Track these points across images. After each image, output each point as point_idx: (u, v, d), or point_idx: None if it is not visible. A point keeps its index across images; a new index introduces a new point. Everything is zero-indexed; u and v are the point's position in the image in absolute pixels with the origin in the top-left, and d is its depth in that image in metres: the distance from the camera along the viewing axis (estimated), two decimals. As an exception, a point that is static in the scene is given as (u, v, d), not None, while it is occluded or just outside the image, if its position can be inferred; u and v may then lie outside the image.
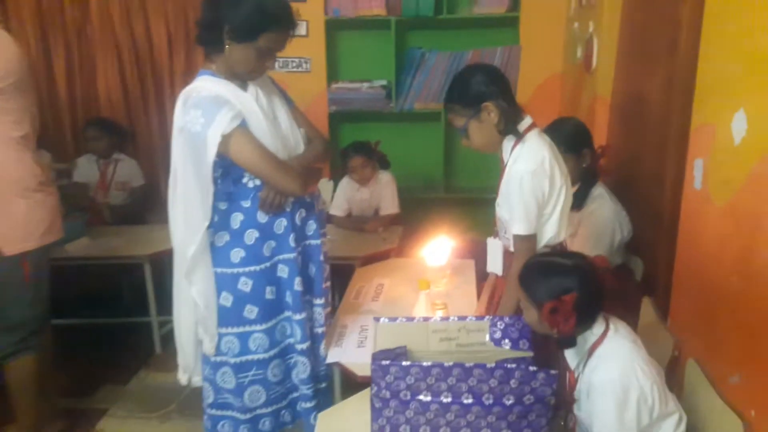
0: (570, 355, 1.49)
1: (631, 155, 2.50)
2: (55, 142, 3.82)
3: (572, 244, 2.25)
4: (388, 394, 1.38)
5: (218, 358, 1.81)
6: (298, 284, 1.80)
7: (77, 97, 3.88)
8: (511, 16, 3.58)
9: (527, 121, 1.69)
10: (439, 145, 3.82)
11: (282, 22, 1.62)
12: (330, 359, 1.89)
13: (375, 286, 2.47)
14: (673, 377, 1.76)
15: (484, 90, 1.65)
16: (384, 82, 3.75)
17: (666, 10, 2.14)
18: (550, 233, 1.70)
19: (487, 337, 1.57)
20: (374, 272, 2.66)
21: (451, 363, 1.34)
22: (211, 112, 1.59)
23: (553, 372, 1.34)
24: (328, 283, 1.98)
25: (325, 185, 3.73)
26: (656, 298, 1.99)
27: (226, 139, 1.60)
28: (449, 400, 1.35)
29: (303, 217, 1.84)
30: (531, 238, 1.67)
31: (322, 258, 1.90)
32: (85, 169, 3.64)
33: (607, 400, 1.33)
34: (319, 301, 1.92)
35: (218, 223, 1.75)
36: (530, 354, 1.55)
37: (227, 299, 1.77)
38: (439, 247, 2.45)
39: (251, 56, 1.62)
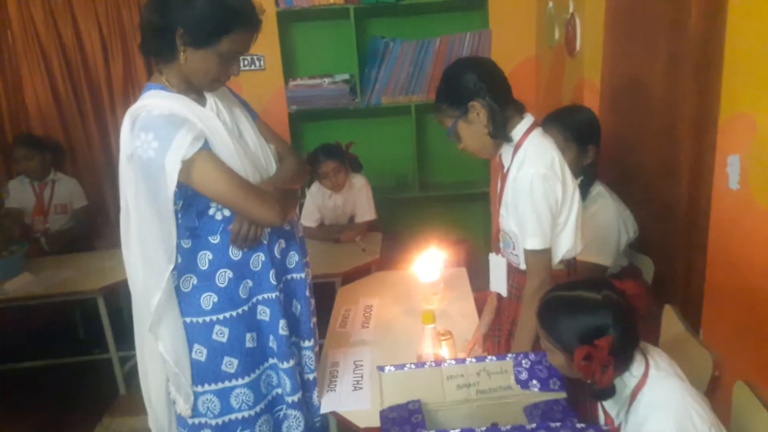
0: (608, 402, 1.28)
1: (629, 145, 2.31)
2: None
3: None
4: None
5: (196, 420, 1.55)
6: (282, 328, 1.55)
7: (2, 112, 3.45)
8: (479, -3, 3.34)
9: (527, 121, 1.48)
10: (410, 141, 3.57)
11: (247, 20, 1.36)
12: (324, 409, 1.64)
13: (363, 309, 2.21)
14: (712, 401, 1.57)
15: (471, 87, 1.44)
16: (347, 77, 3.47)
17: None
18: (565, 246, 1.49)
19: (512, 380, 1.36)
20: (359, 291, 2.41)
21: (483, 429, 1.11)
22: (167, 135, 1.33)
23: (605, 428, 1.14)
24: (315, 319, 1.74)
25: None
26: (680, 306, 1.80)
27: (186, 166, 1.34)
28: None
29: (283, 248, 1.59)
30: (546, 253, 1.46)
31: (308, 293, 1.66)
32: (19, 193, 3.25)
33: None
34: (307, 343, 1.66)
35: (183, 265, 1.49)
36: (563, 395, 1.35)
37: (201, 353, 1.51)
38: (430, 261, 2.21)
39: (212, 63, 1.37)
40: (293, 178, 1.61)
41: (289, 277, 1.63)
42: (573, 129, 2.01)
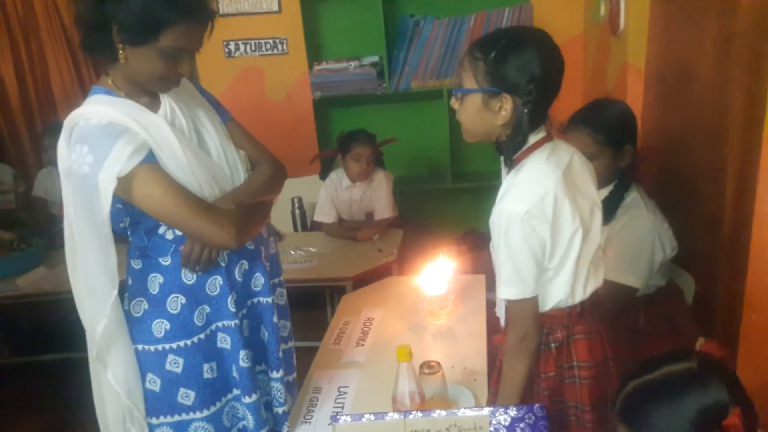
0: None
1: (674, 143, 1.99)
2: (15, 154, 3.45)
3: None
4: None
5: None
6: (244, 359, 1.41)
7: (32, 102, 3.47)
8: (520, -31, 3.02)
9: (535, 137, 1.23)
10: (443, 127, 3.34)
11: (187, 12, 1.19)
12: (294, 444, 1.49)
13: (363, 322, 2.04)
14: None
15: (514, 76, 1.16)
16: (374, 59, 3.28)
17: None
18: (558, 295, 1.26)
19: None
20: (365, 299, 2.23)
21: None
22: (103, 148, 1.20)
23: None
24: (291, 344, 1.63)
25: (314, 184, 3.29)
26: (718, 336, 1.52)
27: (125, 182, 1.22)
28: None
29: (245, 270, 1.44)
30: (527, 303, 1.24)
31: (275, 319, 1.50)
32: (45, 183, 3.25)
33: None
34: (276, 374, 1.51)
35: (133, 287, 1.39)
36: None
37: (155, 382, 1.39)
38: (437, 272, 2.00)
39: (155, 63, 1.22)
40: (263, 188, 1.45)
41: (255, 300, 1.48)
42: (604, 129, 1.74)
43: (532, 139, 1.22)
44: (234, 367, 1.42)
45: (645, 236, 1.72)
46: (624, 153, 1.77)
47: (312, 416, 1.57)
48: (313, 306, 3.32)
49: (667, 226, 1.76)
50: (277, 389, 1.51)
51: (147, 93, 1.32)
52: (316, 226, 3.04)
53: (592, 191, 1.29)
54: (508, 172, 1.25)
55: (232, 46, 3.28)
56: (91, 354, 1.36)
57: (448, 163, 3.40)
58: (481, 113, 1.22)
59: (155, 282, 1.37)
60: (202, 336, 1.39)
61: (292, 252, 2.69)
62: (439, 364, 1.55)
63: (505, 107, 1.18)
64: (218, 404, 1.44)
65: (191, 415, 1.41)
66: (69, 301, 1.41)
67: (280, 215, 3.15)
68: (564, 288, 1.24)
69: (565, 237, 1.20)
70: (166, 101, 1.33)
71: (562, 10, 3.05)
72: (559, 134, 1.87)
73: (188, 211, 1.26)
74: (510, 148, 1.22)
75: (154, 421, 1.41)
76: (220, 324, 1.41)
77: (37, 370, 2.81)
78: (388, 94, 3.28)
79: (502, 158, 1.27)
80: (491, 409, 1.20)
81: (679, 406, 0.93)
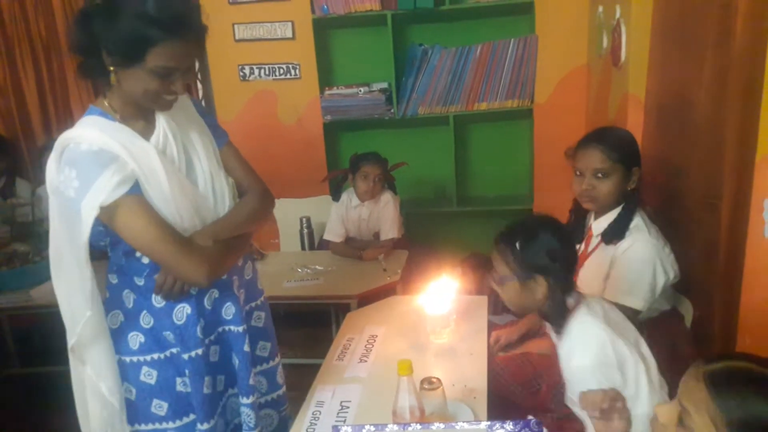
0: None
1: (674, 169, 2.04)
2: (33, 169, 3.55)
3: (604, 290, 1.82)
4: None
5: None
6: (207, 385, 1.45)
7: (51, 119, 3.57)
8: (525, 1, 3.12)
9: (571, 299, 1.39)
10: (449, 152, 3.41)
11: (170, 30, 1.18)
12: (298, 456, 1.52)
13: (366, 339, 2.07)
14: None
15: (540, 260, 1.35)
16: (383, 86, 3.35)
17: (714, -11, 1.68)
18: (646, 405, 1.32)
19: None
20: (368, 317, 2.27)
21: None
22: (90, 175, 1.21)
23: None
24: (274, 362, 1.69)
25: (323, 204, 3.36)
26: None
27: (108, 211, 1.24)
28: None
29: (215, 298, 1.46)
30: None
31: (246, 347, 1.50)
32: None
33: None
34: (246, 399, 1.52)
35: (110, 300, 1.42)
36: None
37: (130, 392, 1.45)
38: (439, 292, 2.04)
39: (147, 82, 1.23)
40: (245, 222, 1.46)
41: (226, 328, 1.50)
42: (617, 147, 1.81)
43: (570, 302, 1.38)
44: (198, 392, 1.45)
45: (647, 259, 1.76)
46: (632, 175, 1.83)
47: (314, 429, 1.59)
48: (318, 324, 3.36)
49: (669, 250, 1.80)
50: (247, 414, 1.52)
51: (143, 116, 1.34)
52: (324, 245, 3.10)
53: (627, 324, 1.42)
54: (558, 336, 1.40)
55: (246, 70, 3.38)
56: (71, 360, 1.40)
57: (454, 187, 3.45)
58: (520, 294, 1.39)
59: (129, 297, 1.41)
60: (174, 350, 1.43)
61: (299, 270, 2.75)
62: (439, 380, 1.59)
63: (540, 287, 1.35)
64: (191, 416, 1.46)
65: (165, 425, 1.45)
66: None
67: (289, 234, 3.22)
68: (643, 404, 1.31)
69: (631, 372, 1.31)
70: (160, 126, 1.34)
71: (566, 42, 3.12)
72: (567, 158, 1.95)
73: (165, 246, 1.28)
74: (555, 316, 1.39)
75: (134, 427, 1.45)
76: (185, 355, 1.42)
77: (46, 381, 2.85)
78: (396, 119, 3.35)
79: (548, 324, 1.46)
80: (489, 423, 1.23)
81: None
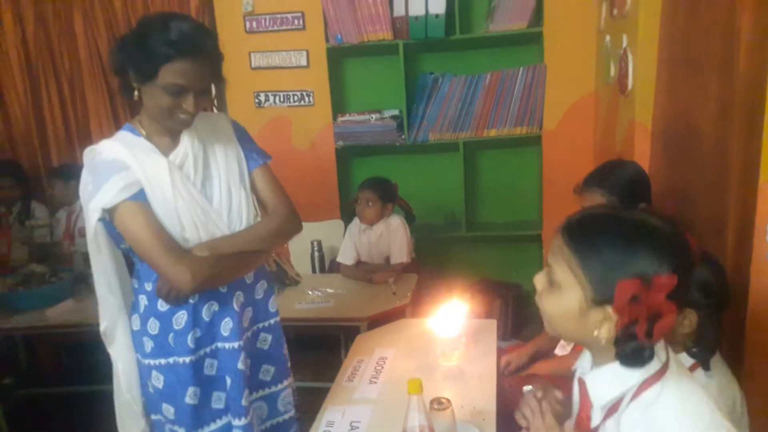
0: (595, 395, 0.95)
1: (681, 196, 2.06)
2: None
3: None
4: None
5: None
6: (191, 395, 1.50)
7: (75, 144, 3.66)
8: (534, 31, 3.19)
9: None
10: (459, 178, 3.45)
11: (180, 50, 1.30)
12: (308, 475, 1.53)
13: (376, 361, 2.09)
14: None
15: (699, 297, 1.20)
16: (395, 113, 3.42)
17: (717, 19, 1.72)
18: None
19: None
20: (378, 340, 2.29)
21: None
22: (101, 180, 1.35)
23: None
24: (278, 387, 1.71)
25: (335, 228, 3.41)
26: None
27: (111, 214, 1.37)
28: None
29: (215, 311, 1.51)
30: None
31: (241, 365, 1.53)
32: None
33: None
34: (238, 421, 1.54)
35: (133, 304, 1.54)
36: None
37: (152, 388, 1.54)
38: (450, 314, 2.06)
39: (161, 98, 1.35)
40: (254, 241, 1.50)
41: (219, 345, 1.53)
42: (617, 190, 1.84)
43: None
44: (180, 402, 1.50)
45: None
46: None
47: (325, 449, 1.63)
48: (327, 348, 3.38)
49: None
50: None
51: (167, 133, 1.45)
52: (335, 268, 3.14)
53: None
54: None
55: (262, 97, 3.46)
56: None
57: (463, 213, 3.49)
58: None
59: (141, 303, 1.51)
60: (172, 360, 1.50)
61: (310, 292, 2.77)
62: (449, 400, 1.60)
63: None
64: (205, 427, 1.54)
65: (175, 427, 1.53)
66: (95, 333, 1.58)
67: (300, 257, 3.25)
68: None
69: None
70: (183, 144, 1.45)
71: (574, 70, 3.17)
72: (575, 194, 1.97)
73: (155, 249, 1.35)
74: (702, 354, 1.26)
75: (153, 417, 1.56)
76: (179, 359, 1.49)
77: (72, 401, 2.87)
78: (407, 146, 3.41)
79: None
80: None
81: (632, 249, 0.86)
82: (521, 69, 3.26)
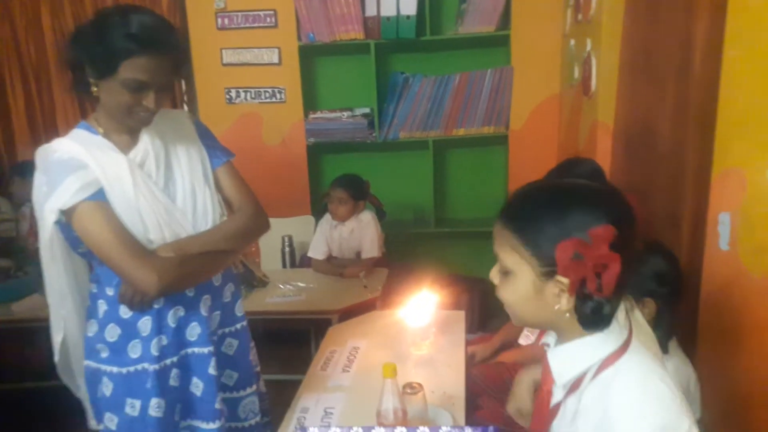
0: (558, 374, 0.95)
1: (640, 192, 2.17)
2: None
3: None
4: None
5: None
6: (155, 407, 1.40)
7: (39, 140, 3.60)
8: (501, 34, 3.30)
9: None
10: (428, 176, 3.53)
11: (144, 45, 1.24)
12: (283, 460, 1.57)
13: (348, 351, 2.14)
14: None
15: (653, 286, 1.28)
16: (366, 111, 3.48)
17: (675, 25, 1.83)
18: None
19: None
20: (350, 331, 2.33)
21: None
22: (56, 180, 1.27)
23: None
24: (245, 392, 1.62)
25: (305, 223, 3.44)
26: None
27: (68, 215, 1.29)
28: None
29: (180, 316, 1.44)
30: None
31: (213, 371, 1.46)
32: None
33: None
34: (208, 425, 1.47)
35: (89, 308, 1.44)
36: None
37: (103, 394, 1.45)
38: (420, 305, 2.12)
39: (120, 95, 1.27)
40: (221, 241, 1.43)
41: (190, 351, 1.47)
42: None
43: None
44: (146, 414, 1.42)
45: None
46: None
47: (300, 433, 1.67)
48: (297, 342, 3.41)
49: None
50: None
51: (127, 131, 1.37)
52: (305, 263, 3.17)
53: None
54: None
55: (233, 93, 3.48)
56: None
57: (432, 209, 3.57)
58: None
59: (101, 308, 1.41)
60: (131, 369, 1.40)
61: (282, 286, 2.80)
62: (420, 385, 1.66)
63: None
64: None
65: None
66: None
67: (271, 252, 3.28)
68: None
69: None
70: (143, 142, 1.38)
71: (539, 72, 3.29)
72: None
73: (117, 251, 1.28)
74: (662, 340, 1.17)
75: (101, 426, 1.47)
76: (143, 367, 1.40)
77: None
78: (378, 143, 3.47)
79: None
80: (449, 428, 1.28)
81: (565, 214, 0.86)
82: (489, 70, 3.36)
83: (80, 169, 1.28)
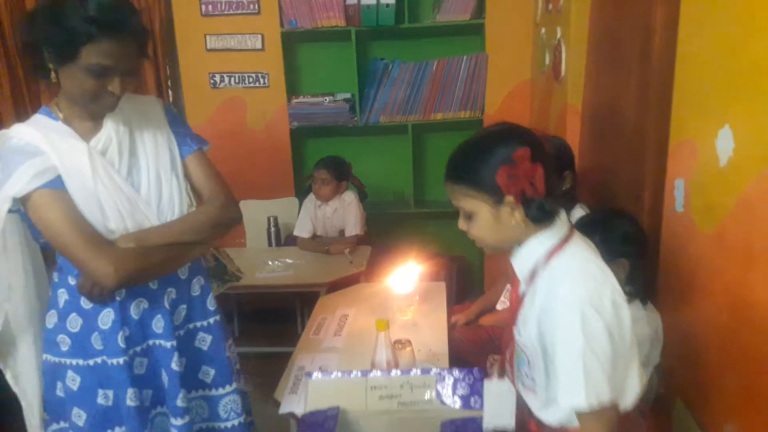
0: (519, 270, 1.16)
1: (606, 170, 2.36)
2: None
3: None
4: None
5: None
6: (132, 397, 1.36)
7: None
8: (476, 23, 3.44)
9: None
10: (408, 158, 3.67)
11: (104, 28, 1.18)
12: (284, 409, 1.70)
13: (338, 318, 2.29)
14: (658, 417, 1.62)
15: (625, 248, 1.46)
16: (347, 96, 3.59)
17: (637, 14, 2.01)
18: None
19: (434, 394, 1.34)
20: (339, 301, 2.48)
21: None
22: (11, 167, 1.23)
23: None
24: (219, 393, 1.54)
25: (289, 205, 3.57)
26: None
27: (24, 203, 1.26)
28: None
29: (144, 309, 1.39)
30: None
31: (176, 366, 1.41)
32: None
33: (573, 315, 1.03)
34: (177, 421, 1.42)
35: (51, 299, 1.40)
36: (481, 413, 1.29)
37: (61, 390, 1.40)
38: (405, 274, 2.28)
39: (83, 80, 1.22)
40: (186, 232, 1.38)
41: (152, 342, 1.42)
42: None
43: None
44: (122, 404, 1.38)
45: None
46: (565, 178, 2.12)
47: (299, 389, 1.80)
48: (283, 319, 3.55)
49: None
50: None
51: (89, 117, 1.32)
52: (291, 242, 3.30)
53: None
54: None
55: (217, 78, 3.55)
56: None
57: (411, 191, 3.71)
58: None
59: (62, 298, 1.37)
60: (98, 360, 1.36)
61: (270, 263, 2.93)
62: (409, 341, 1.82)
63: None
64: (112, 430, 1.39)
65: None
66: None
67: (257, 232, 3.40)
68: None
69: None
70: (107, 128, 1.33)
71: (512, 59, 3.44)
72: None
73: (73, 241, 1.23)
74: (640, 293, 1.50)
75: (54, 426, 1.42)
76: (108, 361, 1.36)
77: None
78: (359, 127, 3.58)
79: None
80: (438, 370, 1.35)
81: (491, 154, 1.08)
82: (465, 57, 3.50)
83: (36, 155, 1.23)
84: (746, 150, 1.22)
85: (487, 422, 1.25)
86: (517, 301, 1.18)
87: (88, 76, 1.21)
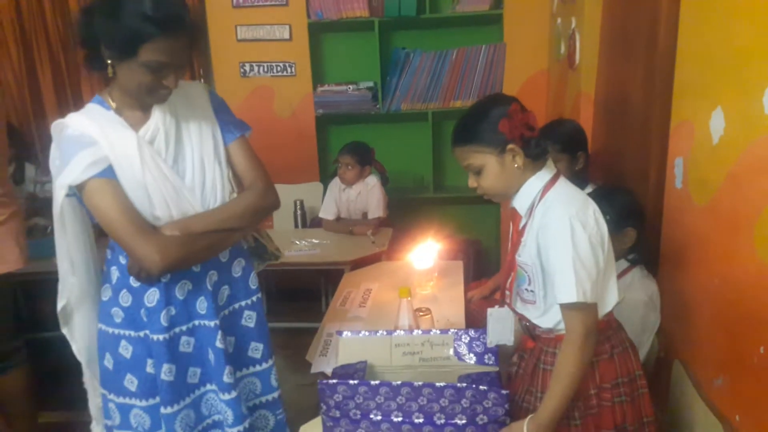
0: (520, 207, 1.38)
1: (616, 153, 2.49)
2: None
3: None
4: (338, 413, 1.35)
5: (108, 422, 1.55)
6: (166, 372, 1.44)
7: (66, 110, 3.83)
8: (495, 13, 3.56)
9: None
10: (428, 145, 3.81)
11: (163, 27, 1.24)
12: (315, 369, 1.87)
13: (363, 292, 2.45)
14: (659, 379, 1.75)
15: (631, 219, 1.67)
16: (370, 84, 3.73)
17: (645, 5, 2.13)
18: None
19: (451, 351, 1.50)
20: (363, 276, 2.65)
21: (399, 382, 1.31)
22: (67, 156, 1.30)
23: (504, 392, 1.27)
24: (267, 365, 1.63)
25: (314, 189, 3.74)
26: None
27: (79, 191, 1.33)
28: (400, 419, 1.32)
29: (189, 290, 1.46)
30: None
31: (220, 344, 1.48)
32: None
33: (563, 228, 1.24)
34: (225, 396, 1.49)
35: (105, 274, 1.48)
36: (496, 369, 1.44)
37: (109, 362, 1.48)
38: (425, 251, 2.43)
39: (140, 76, 1.28)
40: (232, 217, 1.44)
41: (197, 323, 1.49)
42: (561, 140, 2.21)
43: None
44: (158, 377, 1.45)
45: None
46: (578, 158, 2.26)
47: (328, 352, 1.97)
48: (309, 297, 3.74)
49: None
50: (225, 411, 1.50)
51: (140, 107, 1.38)
52: (316, 224, 3.48)
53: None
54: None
55: (247, 67, 3.73)
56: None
57: (431, 176, 3.85)
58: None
59: (114, 274, 1.45)
60: (145, 332, 1.45)
61: (298, 242, 3.10)
62: (429, 309, 1.99)
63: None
64: (154, 400, 1.47)
65: (133, 401, 1.47)
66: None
67: (284, 215, 3.57)
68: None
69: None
70: (155, 118, 1.38)
71: (529, 49, 3.56)
72: None
73: (123, 228, 1.30)
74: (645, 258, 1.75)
75: (106, 394, 1.50)
76: (151, 336, 1.43)
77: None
78: (381, 114, 3.73)
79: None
80: (455, 331, 1.49)
81: (489, 116, 1.29)
82: (483, 47, 3.62)
83: (90, 145, 1.29)
84: (735, 129, 1.35)
85: (491, 340, 1.47)
86: (517, 235, 1.39)
87: (145, 71, 1.27)
